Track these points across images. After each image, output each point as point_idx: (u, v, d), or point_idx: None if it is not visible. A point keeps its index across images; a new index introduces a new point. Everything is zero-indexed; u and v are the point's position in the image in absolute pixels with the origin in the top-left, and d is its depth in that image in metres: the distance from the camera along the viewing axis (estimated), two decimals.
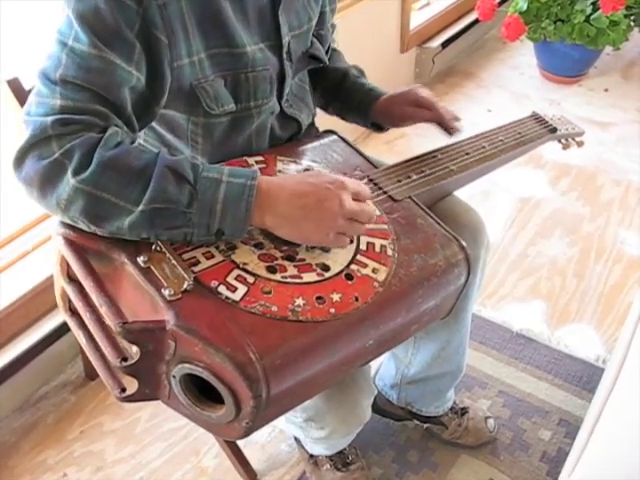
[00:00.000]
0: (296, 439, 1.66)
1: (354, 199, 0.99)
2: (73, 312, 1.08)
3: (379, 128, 1.42)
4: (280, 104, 1.22)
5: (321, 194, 0.95)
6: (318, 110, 1.42)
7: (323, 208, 0.95)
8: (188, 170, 0.92)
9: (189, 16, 1.00)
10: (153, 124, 1.11)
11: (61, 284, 1.05)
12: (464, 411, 1.74)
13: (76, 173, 0.88)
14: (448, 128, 1.33)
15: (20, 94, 1.50)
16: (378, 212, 1.12)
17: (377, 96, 1.38)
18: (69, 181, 0.88)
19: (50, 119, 0.89)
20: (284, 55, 1.17)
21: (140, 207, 0.89)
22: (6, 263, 1.86)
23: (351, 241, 1.05)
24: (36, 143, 0.89)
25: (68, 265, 0.99)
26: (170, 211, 0.90)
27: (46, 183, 0.90)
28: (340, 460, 1.59)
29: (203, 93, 1.06)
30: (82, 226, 0.93)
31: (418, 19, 3.31)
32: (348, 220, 0.97)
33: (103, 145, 0.90)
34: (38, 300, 1.80)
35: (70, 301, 1.06)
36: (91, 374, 1.95)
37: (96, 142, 0.90)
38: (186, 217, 0.91)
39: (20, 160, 0.91)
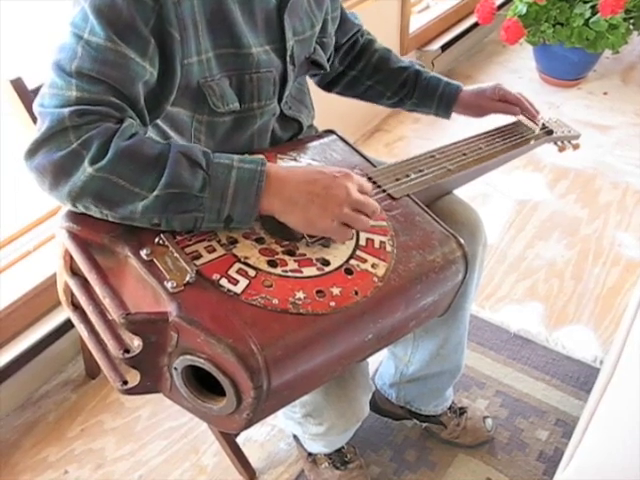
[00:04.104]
0: (295, 437, 1.67)
1: (359, 192, 1.00)
2: (76, 306, 1.08)
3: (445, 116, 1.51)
4: (280, 106, 1.24)
5: (328, 182, 0.97)
6: (318, 111, 1.44)
7: (330, 195, 0.96)
8: (200, 156, 0.94)
9: (199, 15, 1.02)
10: (157, 121, 1.12)
11: (64, 278, 1.05)
12: (462, 411, 1.75)
13: (93, 162, 0.89)
14: (532, 119, 1.51)
15: (23, 94, 1.51)
16: None
17: (457, 88, 1.46)
18: (86, 169, 0.89)
19: (67, 110, 0.90)
20: (287, 59, 1.19)
21: (155, 192, 0.91)
22: (7, 262, 1.87)
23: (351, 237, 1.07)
24: (53, 134, 0.90)
25: (71, 259, 1.00)
26: (184, 195, 0.92)
27: (61, 173, 0.90)
28: (338, 458, 1.60)
29: (210, 91, 1.08)
30: (93, 212, 0.94)
31: (417, 22, 3.33)
32: (354, 210, 0.99)
33: (120, 135, 0.91)
34: (39, 299, 1.81)
35: (73, 295, 1.06)
36: (92, 372, 1.97)
37: (113, 132, 0.91)
38: (198, 201, 0.93)
39: (34, 151, 0.91)
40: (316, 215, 0.97)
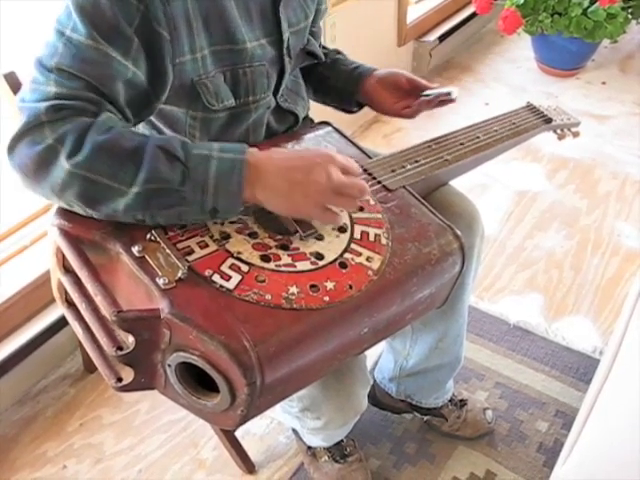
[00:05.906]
0: (294, 431, 1.67)
1: (344, 173, 0.98)
2: (70, 304, 1.08)
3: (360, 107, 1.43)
4: (275, 99, 1.23)
5: (308, 167, 0.95)
6: (315, 103, 1.43)
7: (310, 181, 0.95)
8: (179, 148, 0.92)
9: (194, 13, 1.01)
10: (150, 117, 1.12)
11: (57, 276, 1.05)
12: (463, 403, 1.75)
13: (69, 157, 0.89)
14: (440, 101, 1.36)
15: (17, 88, 1.50)
16: (372, 201, 1.12)
17: (365, 73, 1.37)
18: (63, 166, 0.89)
19: (43, 105, 0.90)
20: (284, 51, 1.18)
21: (134, 188, 0.90)
22: (5, 257, 1.86)
23: (344, 229, 1.06)
24: (29, 130, 0.90)
25: (64, 256, 0.99)
26: (164, 190, 0.91)
27: (40, 169, 0.90)
28: (338, 452, 1.60)
29: (204, 89, 1.07)
30: (78, 210, 0.93)
31: (415, 13, 3.31)
32: (337, 194, 0.97)
33: (95, 129, 0.90)
34: (37, 293, 1.80)
35: (67, 293, 1.06)
36: (90, 367, 1.96)
37: (88, 126, 0.90)
38: (180, 195, 0.92)
39: (13, 147, 0.91)
40: (299, 202, 0.96)
